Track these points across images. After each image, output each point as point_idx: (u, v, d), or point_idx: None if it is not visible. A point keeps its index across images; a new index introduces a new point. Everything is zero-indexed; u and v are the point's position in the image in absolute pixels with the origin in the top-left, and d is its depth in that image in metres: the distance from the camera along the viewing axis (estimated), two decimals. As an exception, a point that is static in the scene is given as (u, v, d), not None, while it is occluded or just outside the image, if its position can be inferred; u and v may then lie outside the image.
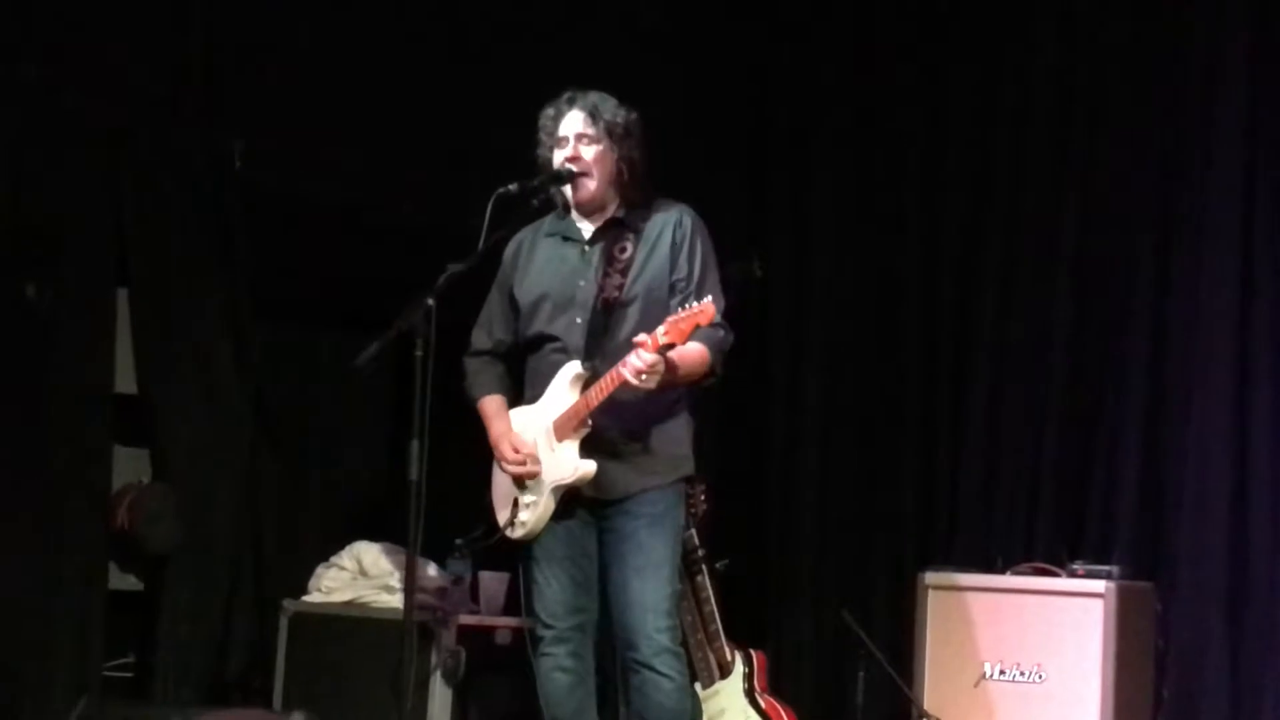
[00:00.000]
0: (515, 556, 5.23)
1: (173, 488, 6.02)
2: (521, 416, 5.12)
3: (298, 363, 6.49)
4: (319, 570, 6.10)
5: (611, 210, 5.14)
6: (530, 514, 5.05)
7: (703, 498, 5.98)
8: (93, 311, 5.84)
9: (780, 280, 7.28)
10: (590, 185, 5.09)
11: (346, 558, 6.08)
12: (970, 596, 6.07)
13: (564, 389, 5.01)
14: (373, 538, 6.09)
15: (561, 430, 4.99)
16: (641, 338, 4.75)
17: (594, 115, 5.09)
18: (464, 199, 5.14)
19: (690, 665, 5.60)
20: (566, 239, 5.17)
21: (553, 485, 5.02)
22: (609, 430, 4.98)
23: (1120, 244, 6.57)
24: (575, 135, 5.09)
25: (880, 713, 6.40)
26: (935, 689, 6.06)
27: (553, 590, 5.09)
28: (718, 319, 4.87)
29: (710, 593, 6.01)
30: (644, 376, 4.74)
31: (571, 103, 5.12)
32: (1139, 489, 6.41)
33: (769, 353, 7.33)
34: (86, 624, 5.77)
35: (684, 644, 5.36)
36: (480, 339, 5.26)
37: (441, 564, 5.91)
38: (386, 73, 6.38)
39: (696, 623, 5.98)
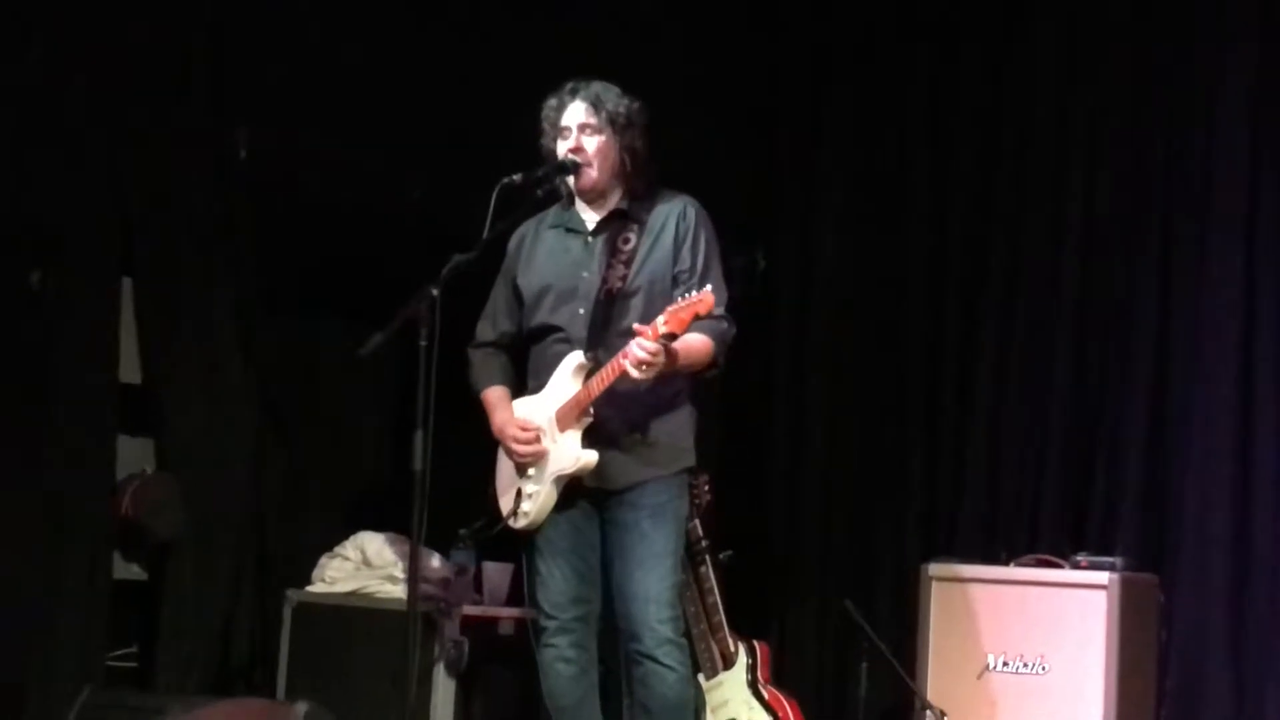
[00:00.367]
0: (518, 547, 5.24)
1: (177, 477, 6.03)
2: (524, 407, 5.12)
3: (302, 352, 6.49)
4: (323, 560, 6.11)
5: (615, 201, 5.14)
6: (533, 504, 5.05)
7: (706, 488, 5.98)
8: (97, 301, 5.85)
9: (785, 271, 7.27)
10: (592, 174, 5.09)
11: (350, 548, 6.08)
12: (973, 588, 6.07)
13: (566, 379, 5.01)
14: (377, 528, 6.09)
15: (564, 420, 4.99)
16: (642, 327, 4.75)
17: (596, 105, 5.08)
18: (469, 189, 5.13)
19: (693, 656, 5.60)
20: (570, 230, 5.17)
21: (555, 475, 5.02)
22: (611, 421, 4.98)
23: (1126, 239, 6.56)
24: (578, 126, 5.09)
25: (883, 704, 6.40)
26: (938, 680, 6.06)
27: (555, 581, 5.09)
28: (719, 310, 4.87)
29: (714, 584, 6.01)
30: (644, 366, 4.74)
31: (574, 93, 5.12)
32: (1142, 481, 6.41)
33: (773, 344, 7.32)
34: (90, 613, 5.78)
35: (687, 635, 5.36)
36: (485, 331, 5.27)
37: (445, 554, 5.92)
38: (392, 62, 6.38)
39: (700, 614, 5.98)
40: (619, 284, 5.04)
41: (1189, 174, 6.44)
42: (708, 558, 6.00)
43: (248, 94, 6.15)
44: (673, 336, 4.75)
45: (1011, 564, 6.14)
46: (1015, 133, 6.87)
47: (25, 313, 5.60)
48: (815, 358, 7.25)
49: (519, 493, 5.08)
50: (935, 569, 6.16)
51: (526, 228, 5.22)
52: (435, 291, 4.73)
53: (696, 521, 5.91)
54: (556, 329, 5.09)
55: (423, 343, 4.69)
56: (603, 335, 5.01)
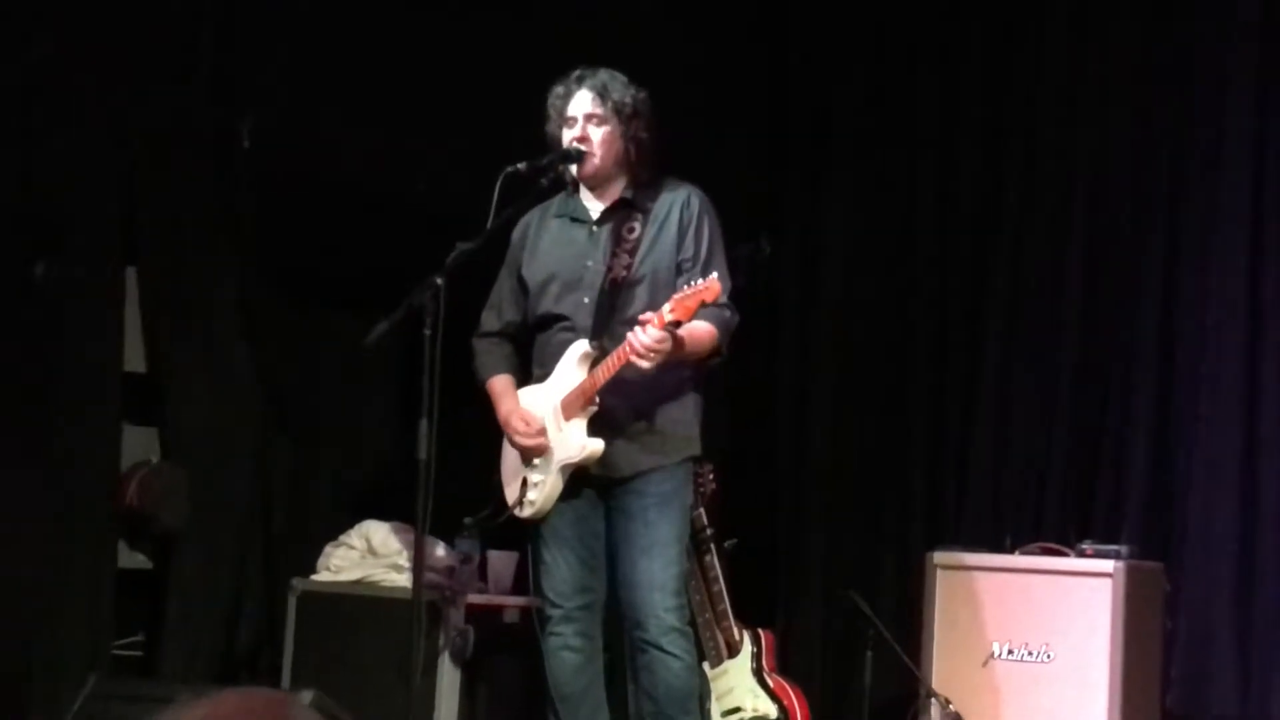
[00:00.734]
0: (523, 536, 5.24)
1: (182, 466, 6.03)
2: (529, 395, 5.13)
3: (307, 341, 6.48)
4: (328, 549, 6.11)
5: (619, 190, 5.14)
6: (538, 493, 5.05)
7: (711, 477, 5.99)
8: (102, 291, 5.85)
9: (790, 259, 7.27)
10: (595, 162, 5.09)
11: (355, 537, 6.08)
12: (979, 576, 6.07)
13: (572, 368, 5.01)
14: (382, 517, 6.09)
15: (569, 409, 5.00)
16: (647, 315, 4.75)
17: (603, 95, 5.08)
18: (474, 176, 5.13)
19: (698, 645, 5.61)
20: (574, 219, 5.17)
21: (560, 464, 5.02)
22: (617, 409, 4.99)
23: (1131, 220, 6.56)
24: (584, 115, 5.09)
25: (888, 692, 6.40)
26: (943, 669, 6.06)
27: (560, 570, 5.10)
28: (724, 298, 4.87)
29: (719, 572, 6.02)
30: (650, 354, 4.74)
31: (580, 81, 5.11)
32: (1148, 469, 6.41)
33: (778, 332, 7.32)
34: (96, 602, 5.78)
35: (692, 623, 5.37)
36: (490, 321, 5.27)
37: (450, 543, 5.92)
38: (397, 49, 6.37)
39: (705, 602, 5.99)
40: (624, 273, 5.04)
41: (1194, 168, 6.43)
42: (713, 546, 6.01)
43: (251, 84, 6.15)
44: (678, 324, 4.75)
45: (1017, 552, 6.13)
46: (1023, 119, 6.86)
47: (30, 303, 5.60)
48: (820, 346, 7.25)
49: (524, 482, 5.09)
50: (940, 557, 6.16)
51: (530, 217, 5.22)
52: (440, 281, 4.73)
53: (701, 510, 5.91)
54: (562, 318, 5.09)
55: (427, 332, 4.69)
56: (608, 324, 5.01)
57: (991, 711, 5.95)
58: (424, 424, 4.68)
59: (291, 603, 6.01)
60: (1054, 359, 6.66)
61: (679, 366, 4.97)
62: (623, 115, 5.09)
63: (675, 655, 5.00)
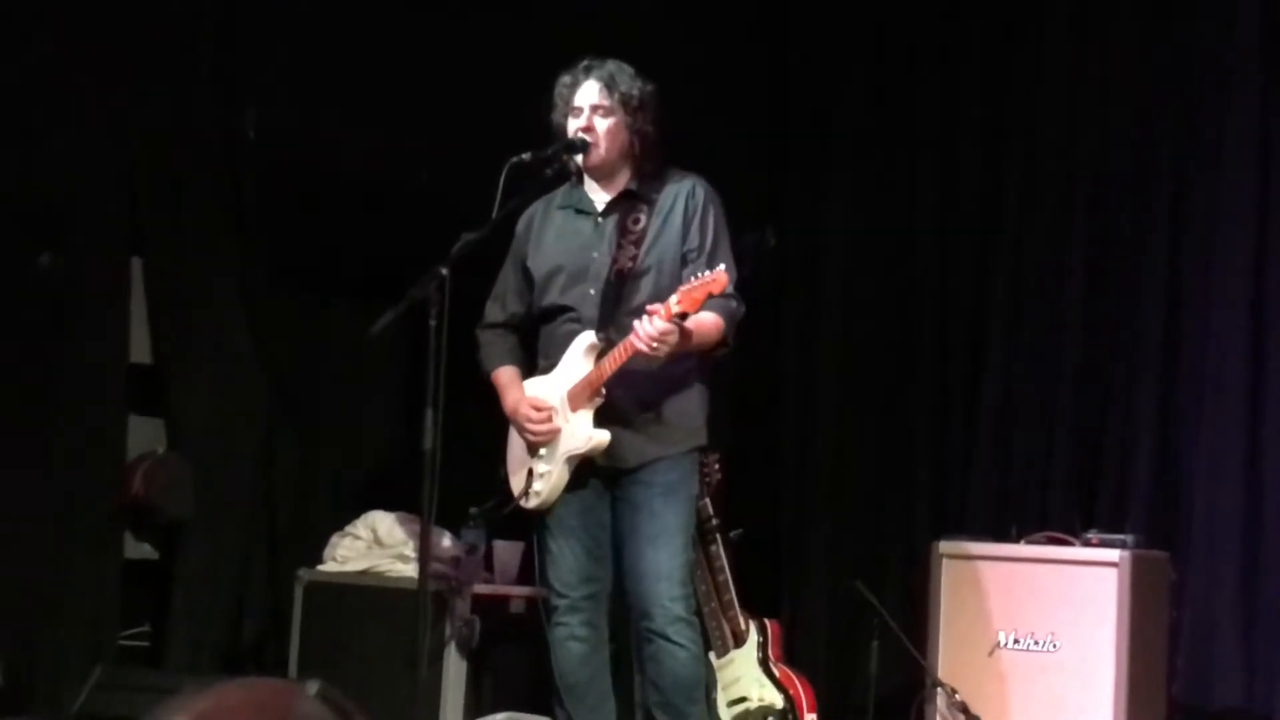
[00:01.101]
0: (529, 526, 5.24)
1: (187, 457, 6.03)
2: (535, 387, 5.12)
3: (312, 331, 6.49)
4: (334, 539, 6.11)
5: (624, 181, 5.14)
6: (544, 484, 5.05)
7: (716, 467, 5.98)
8: (107, 281, 5.86)
9: (796, 251, 7.27)
10: (600, 153, 5.07)
11: (361, 527, 6.09)
12: (984, 566, 6.07)
13: (578, 359, 5.01)
14: (387, 507, 6.09)
15: (575, 400, 4.99)
16: (654, 306, 4.75)
17: (610, 86, 5.07)
18: (478, 167, 5.13)
19: (704, 634, 5.61)
20: (580, 211, 5.16)
21: (567, 455, 5.02)
22: (623, 400, 4.98)
23: (1136, 207, 6.55)
24: (590, 106, 5.08)
25: (894, 682, 6.40)
26: (949, 658, 6.06)
27: (566, 560, 5.09)
28: (730, 289, 4.87)
29: (724, 562, 6.02)
30: (656, 345, 4.74)
31: (588, 71, 5.10)
32: (1154, 458, 6.40)
33: (783, 323, 7.32)
34: (101, 593, 5.79)
35: (698, 613, 5.37)
36: (494, 312, 5.26)
37: (456, 533, 5.92)
38: (400, 41, 6.37)
39: (710, 592, 5.99)
40: (629, 264, 5.03)
41: (1196, 165, 6.43)
42: (718, 536, 6.00)
43: (256, 75, 6.15)
44: (684, 316, 4.74)
45: (1022, 541, 6.13)
46: (1026, 108, 6.85)
47: (35, 295, 5.60)
48: (825, 337, 7.24)
49: (530, 473, 5.08)
50: (946, 547, 6.16)
51: (535, 208, 5.22)
52: (445, 271, 4.73)
53: (707, 500, 5.91)
54: (567, 309, 5.08)
55: (432, 322, 4.69)
56: (613, 315, 5.00)
57: (997, 701, 5.95)
58: (429, 414, 4.68)
59: (297, 593, 6.01)
60: (1058, 350, 6.65)
61: (685, 357, 4.96)
62: (629, 107, 5.08)
63: (681, 645, 5.00)
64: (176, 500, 5.97)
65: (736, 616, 6.03)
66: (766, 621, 6.10)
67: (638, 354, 4.79)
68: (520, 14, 6.54)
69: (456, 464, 4.82)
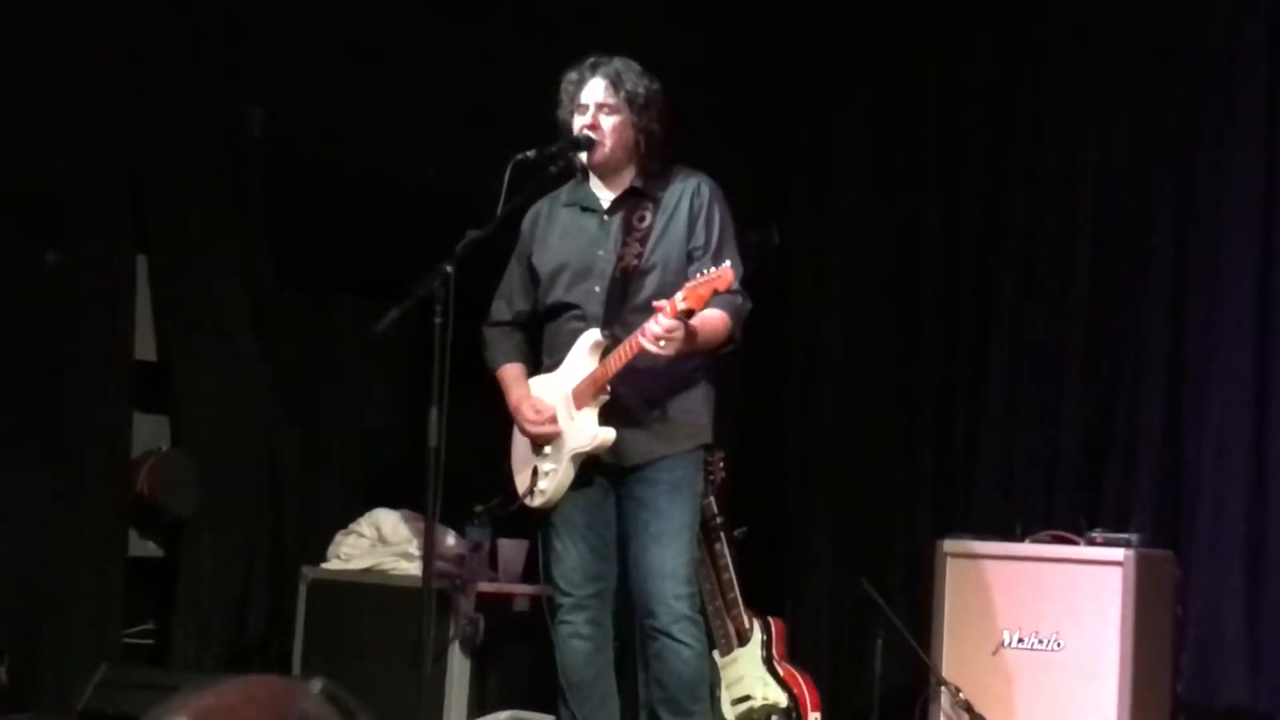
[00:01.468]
0: (533, 524, 5.24)
1: (192, 454, 6.03)
2: (540, 384, 5.12)
3: (317, 329, 6.49)
4: (338, 537, 6.12)
5: (629, 179, 5.13)
6: (549, 482, 5.05)
7: (721, 465, 5.98)
8: (112, 278, 5.86)
9: (800, 248, 7.26)
10: (605, 150, 5.07)
11: (365, 525, 6.09)
12: (989, 564, 6.06)
13: (583, 356, 5.01)
14: (392, 505, 6.09)
15: (580, 398, 4.99)
16: (660, 303, 4.74)
17: (616, 84, 5.06)
18: (483, 161, 5.13)
19: (708, 632, 5.61)
20: (585, 209, 5.16)
21: (572, 453, 5.02)
22: (628, 397, 4.98)
23: (1141, 207, 6.55)
24: (596, 104, 5.07)
25: (898, 680, 6.39)
26: (953, 657, 6.05)
27: (571, 558, 5.09)
28: (736, 286, 4.86)
29: (729, 560, 6.01)
30: (662, 342, 4.74)
31: (595, 69, 5.10)
32: (1158, 457, 6.40)
33: (788, 321, 7.31)
34: (106, 590, 5.80)
35: (702, 611, 5.36)
36: (500, 310, 5.26)
37: (460, 531, 5.92)
38: (405, 35, 6.37)
39: (715, 590, 5.98)
40: (634, 261, 5.03)
41: (1203, 160, 6.42)
42: (723, 534, 6.00)
43: (261, 70, 6.15)
44: (690, 313, 4.74)
45: (1027, 540, 6.12)
46: (1032, 104, 6.85)
47: (41, 291, 5.61)
48: (829, 334, 7.24)
49: (535, 471, 5.08)
50: (950, 545, 6.15)
51: (540, 206, 5.22)
52: (449, 268, 4.73)
53: (711, 498, 5.90)
54: (572, 306, 5.08)
55: (437, 320, 4.69)
56: (619, 313, 5.00)
57: (1002, 700, 5.94)
58: (434, 412, 4.68)
59: (302, 591, 6.02)
60: (1063, 347, 6.65)
61: (691, 355, 4.96)
62: (634, 105, 5.07)
63: (685, 643, 5.00)
64: (181, 498, 5.97)
65: (740, 615, 6.03)
66: (770, 620, 6.10)
67: (643, 352, 4.79)
68: (525, 12, 6.54)
69: (461, 461, 4.82)
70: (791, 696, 5.97)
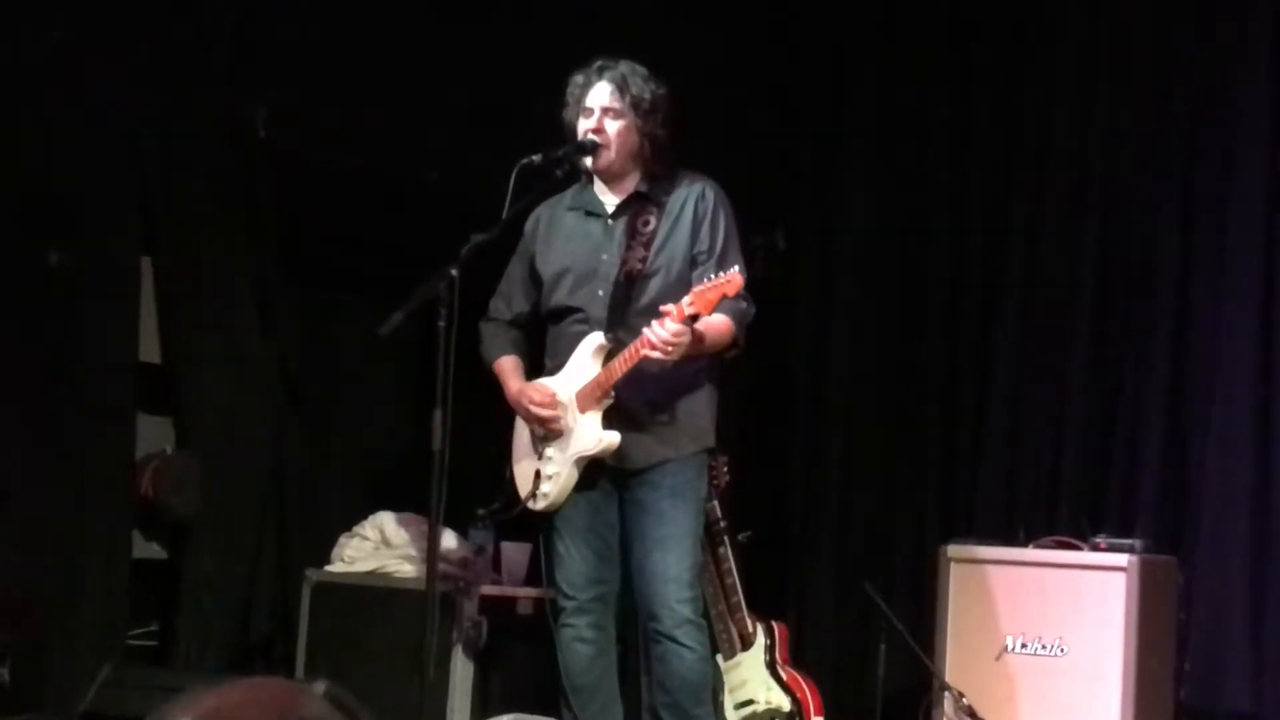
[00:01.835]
0: (537, 527, 5.24)
1: (197, 456, 6.03)
2: (542, 385, 5.12)
3: (321, 331, 6.49)
4: (342, 540, 6.12)
5: (634, 183, 5.14)
6: (552, 485, 5.05)
7: (725, 469, 5.98)
8: (117, 279, 5.85)
9: (805, 252, 7.26)
10: (610, 155, 5.08)
11: (369, 527, 6.09)
12: (992, 569, 6.06)
13: (586, 360, 5.01)
14: (396, 507, 6.10)
15: (584, 401, 5.00)
16: (667, 306, 4.74)
17: (622, 89, 5.07)
18: (489, 163, 5.13)
19: (712, 636, 5.61)
20: (589, 213, 5.16)
21: (576, 456, 5.02)
22: (631, 401, 4.99)
23: (1146, 211, 6.55)
24: (601, 108, 5.08)
25: (901, 685, 6.39)
26: (957, 661, 6.05)
27: (574, 561, 5.10)
28: (741, 291, 4.86)
29: (732, 564, 6.01)
30: (668, 347, 4.74)
31: (601, 73, 5.10)
32: (1162, 462, 6.39)
33: (794, 325, 7.31)
34: (110, 592, 5.79)
35: (706, 615, 5.37)
36: (499, 309, 5.27)
37: (464, 534, 5.92)
38: (412, 36, 6.37)
39: (718, 594, 5.99)
40: (638, 265, 5.04)
41: (1211, 153, 6.41)
42: (726, 538, 6.00)
43: (268, 71, 6.15)
44: (696, 318, 4.74)
45: (1030, 545, 6.12)
46: (1039, 106, 6.84)
47: (45, 291, 5.60)
48: (834, 338, 7.24)
49: (538, 474, 5.08)
50: (954, 550, 6.15)
51: (544, 208, 5.22)
52: (454, 272, 4.73)
53: (715, 502, 5.91)
54: (576, 310, 5.09)
55: (441, 323, 4.70)
56: (622, 316, 5.01)
57: (1005, 705, 5.94)
58: (438, 414, 4.68)
59: (305, 593, 6.02)
60: (1068, 353, 6.65)
61: (695, 359, 4.96)
62: (640, 110, 5.08)
63: (689, 647, 5.00)
64: (185, 500, 5.97)
65: (744, 619, 6.03)
66: (774, 624, 6.10)
67: (649, 356, 4.79)
68: (529, 14, 6.54)
69: (465, 464, 4.82)
70: (795, 701, 5.97)
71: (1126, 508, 6.42)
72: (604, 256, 5.08)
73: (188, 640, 6.00)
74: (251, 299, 6.21)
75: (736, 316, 4.97)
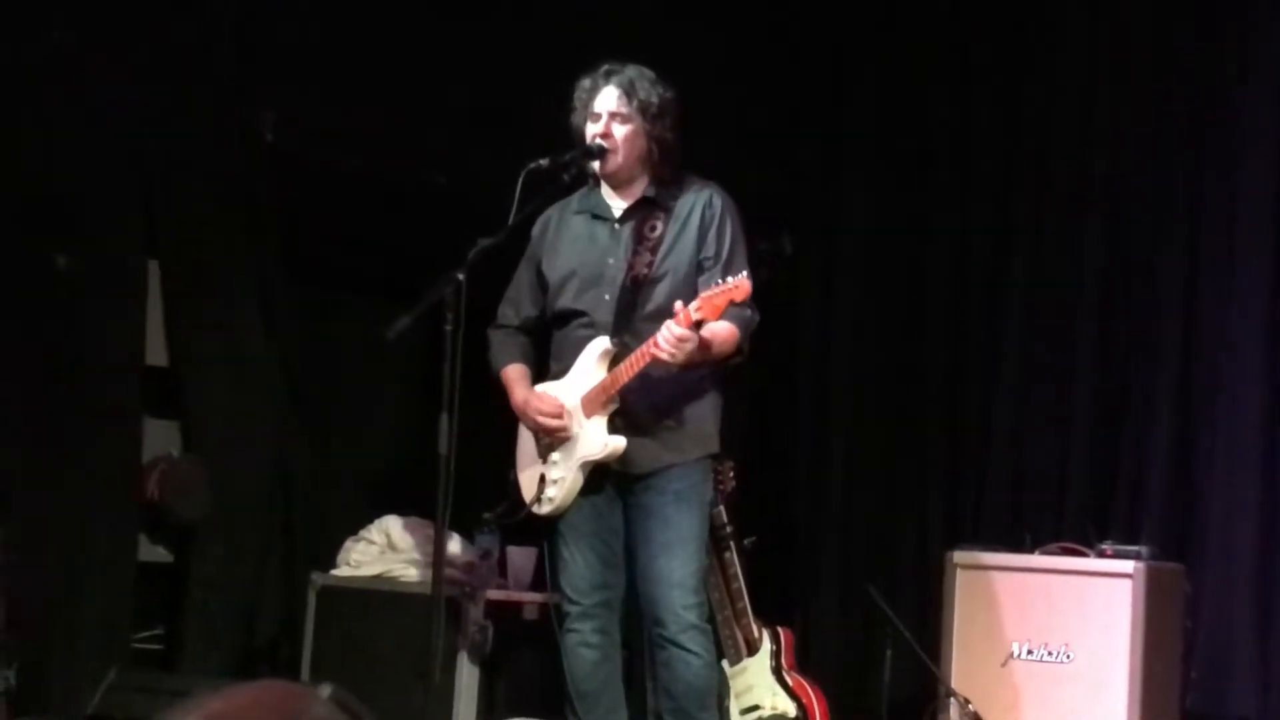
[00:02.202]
0: (542, 531, 5.24)
1: (202, 459, 6.03)
2: (548, 391, 5.12)
3: (328, 334, 6.49)
4: (347, 544, 6.12)
5: (642, 188, 5.13)
6: (558, 490, 5.05)
7: (731, 475, 5.98)
8: (123, 283, 5.86)
9: (810, 258, 7.26)
10: (617, 160, 5.07)
11: (375, 531, 6.09)
12: (998, 576, 6.06)
13: (591, 365, 5.01)
14: (401, 511, 6.10)
15: (590, 406, 4.99)
16: (677, 306, 4.73)
17: (629, 93, 5.06)
18: (489, 163, 5.14)
19: (717, 642, 5.61)
20: (597, 217, 5.16)
21: (581, 461, 5.02)
22: (637, 406, 4.98)
23: (1151, 214, 6.54)
24: (609, 113, 5.07)
25: (907, 691, 6.39)
26: (962, 668, 6.05)
27: (579, 566, 5.09)
28: (747, 299, 4.86)
29: (738, 570, 6.01)
30: (675, 351, 4.73)
31: (609, 77, 5.10)
32: (1169, 469, 6.39)
33: (799, 330, 7.32)
34: (116, 595, 5.79)
35: (711, 621, 5.36)
36: (507, 314, 5.27)
37: (470, 538, 5.92)
38: (416, 39, 6.37)
39: (724, 600, 5.98)
40: (645, 270, 5.03)
41: (1215, 152, 6.41)
42: (732, 544, 6.00)
43: (272, 74, 6.15)
44: (701, 323, 4.74)
45: (1036, 552, 6.12)
46: (1041, 108, 6.84)
47: (51, 295, 5.61)
48: (840, 345, 7.24)
49: (543, 478, 5.08)
50: (960, 556, 6.15)
51: (551, 212, 5.22)
52: (461, 276, 4.73)
53: (721, 507, 5.91)
54: (581, 314, 5.08)
55: (448, 328, 4.70)
56: (628, 321, 5.00)
57: (1010, 711, 5.94)
58: (444, 418, 4.68)
59: (311, 597, 6.02)
60: (1074, 358, 6.65)
61: (701, 365, 4.96)
62: (647, 114, 5.07)
63: (694, 652, 4.99)
64: (191, 503, 5.97)
65: (749, 624, 6.03)
66: (779, 629, 6.09)
67: (656, 360, 4.79)
68: (535, 17, 6.54)
69: (471, 469, 4.82)
70: (800, 706, 5.97)
71: (1133, 514, 6.42)
72: (610, 261, 5.08)
73: (193, 644, 6.00)
74: (258, 302, 6.21)
75: (742, 325, 4.97)
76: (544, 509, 5.09)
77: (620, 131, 5.06)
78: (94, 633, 5.70)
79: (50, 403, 5.61)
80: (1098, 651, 5.84)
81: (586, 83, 5.12)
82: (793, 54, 7.45)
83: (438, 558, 4.81)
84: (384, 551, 6.04)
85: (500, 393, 5.19)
